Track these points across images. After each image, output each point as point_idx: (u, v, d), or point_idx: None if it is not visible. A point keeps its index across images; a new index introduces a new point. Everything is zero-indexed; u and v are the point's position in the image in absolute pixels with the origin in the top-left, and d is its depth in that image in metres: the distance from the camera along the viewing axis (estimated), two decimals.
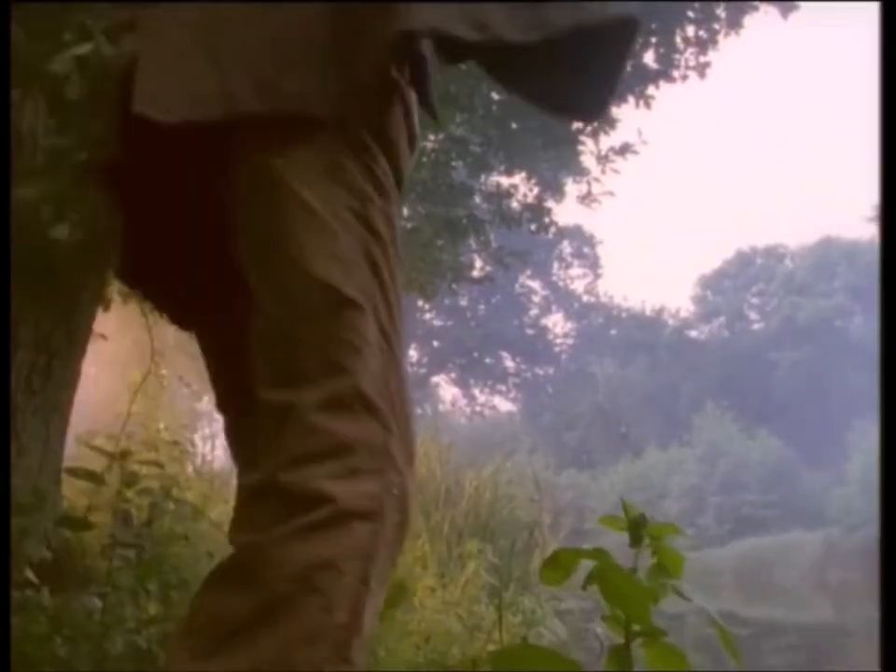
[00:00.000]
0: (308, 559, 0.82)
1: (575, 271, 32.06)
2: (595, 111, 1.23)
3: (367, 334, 0.94)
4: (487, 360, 31.84)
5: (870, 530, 23.87)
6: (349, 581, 0.83)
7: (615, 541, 1.13)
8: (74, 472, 2.16)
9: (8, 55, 1.94)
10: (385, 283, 0.99)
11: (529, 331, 31.23)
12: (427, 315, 32.26)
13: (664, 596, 0.89)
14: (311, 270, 0.95)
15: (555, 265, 31.62)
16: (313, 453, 0.85)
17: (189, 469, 4.16)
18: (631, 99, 5.04)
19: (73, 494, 2.90)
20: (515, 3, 1.08)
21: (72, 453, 2.92)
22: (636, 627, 0.82)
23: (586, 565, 0.97)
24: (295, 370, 0.92)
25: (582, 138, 5.05)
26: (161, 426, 3.45)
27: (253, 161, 1.02)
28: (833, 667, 9.93)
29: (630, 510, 0.93)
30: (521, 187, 6.94)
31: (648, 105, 5.15)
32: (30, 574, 1.72)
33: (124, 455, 2.32)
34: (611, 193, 5.95)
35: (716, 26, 4.99)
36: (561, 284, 31.91)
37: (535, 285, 31.86)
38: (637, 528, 0.92)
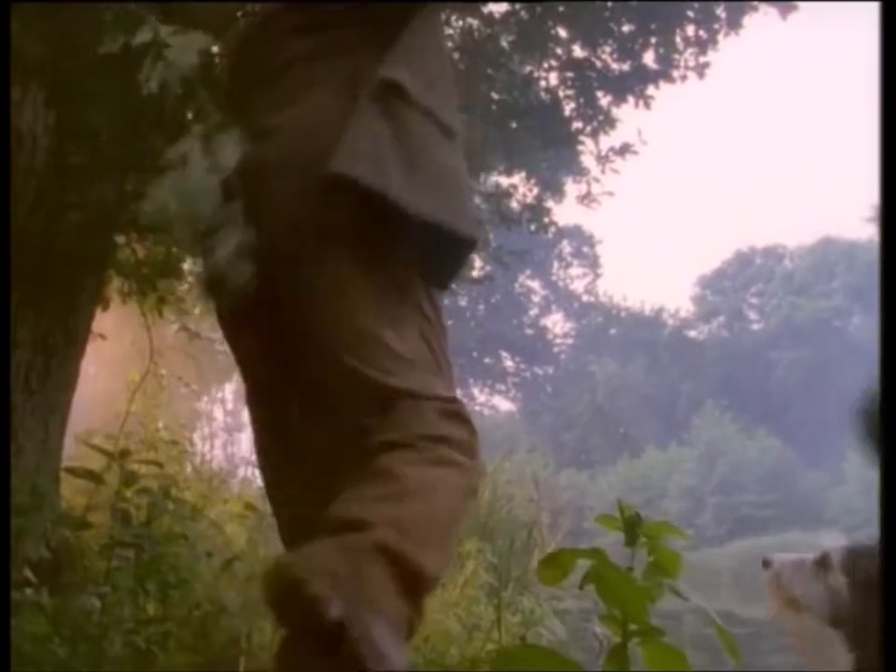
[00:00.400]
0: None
1: (574, 270, 32.08)
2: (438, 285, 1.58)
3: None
4: (486, 360, 31.84)
5: (869, 530, 23.86)
6: None
7: (614, 541, 1.12)
8: (73, 471, 2.16)
9: (8, 55, 1.93)
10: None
11: (529, 331, 31.23)
12: None
13: (660, 596, 0.89)
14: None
15: (555, 265, 31.63)
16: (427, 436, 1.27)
17: (188, 468, 4.15)
18: (631, 99, 5.04)
19: (71, 493, 2.90)
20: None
21: (71, 452, 2.92)
22: (633, 627, 0.83)
23: (583, 564, 0.97)
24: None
25: (582, 138, 5.05)
26: (160, 425, 3.44)
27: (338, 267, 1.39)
28: (829, 665, 9.88)
29: (625, 509, 0.93)
30: (520, 187, 6.94)
31: (647, 106, 5.16)
32: (29, 574, 1.72)
33: (123, 454, 2.32)
34: (611, 193, 5.95)
35: (715, 26, 4.99)
36: (560, 284, 31.92)
37: (534, 284, 31.87)
38: (632, 528, 0.92)
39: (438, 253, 1.55)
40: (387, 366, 1.34)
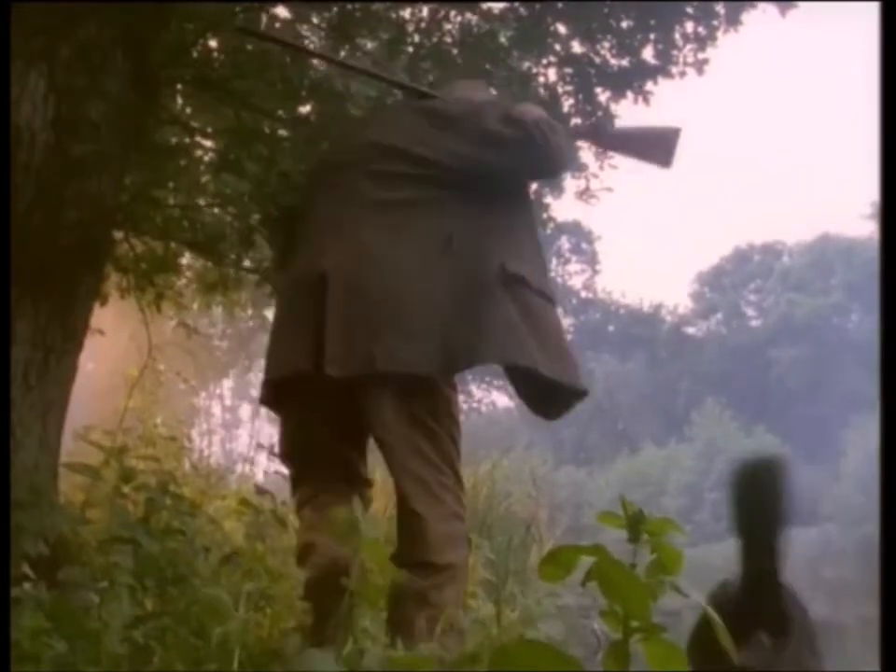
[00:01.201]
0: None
1: (573, 266, 32.10)
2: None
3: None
4: None
5: (866, 527, 23.94)
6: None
7: (612, 538, 1.13)
8: (71, 467, 2.16)
9: (8, 55, 1.93)
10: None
11: None
12: None
13: (662, 594, 0.90)
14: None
15: (553, 261, 31.62)
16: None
17: (186, 464, 4.15)
18: (630, 95, 5.03)
19: (69, 489, 2.90)
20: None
21: (69, 448, 2.92)
22: (634, 623, 0.83)
23: (584, 562, 0.97)
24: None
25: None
26: (158, 421, 3.45)
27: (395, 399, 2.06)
28: (827, 663, 9.94)
29: (628, 506, 0.93)
30: None
31: (646, 102, 5.14)
32: (27, 570, 1.72)
33: (121, 450, 2.32)
34: (609, 189, 5.94)
35: (714, 23, 4.98)
36: (559, 280, 31.91)
37: None
38: (635, 524, 0.92)
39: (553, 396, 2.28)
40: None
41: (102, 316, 3.27)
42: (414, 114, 2.21)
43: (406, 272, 2.01)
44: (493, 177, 2.11)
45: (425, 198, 2.08)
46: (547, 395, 2.29)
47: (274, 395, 2.22)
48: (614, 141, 2.71)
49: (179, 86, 3.47)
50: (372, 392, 2.01)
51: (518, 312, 2.06)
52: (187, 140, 3.73)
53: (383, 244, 2.03)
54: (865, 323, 34.94)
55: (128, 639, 1.72)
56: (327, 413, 2.13)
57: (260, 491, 2.45)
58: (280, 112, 3.73)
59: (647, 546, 0.95)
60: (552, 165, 2.19)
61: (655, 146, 2.52)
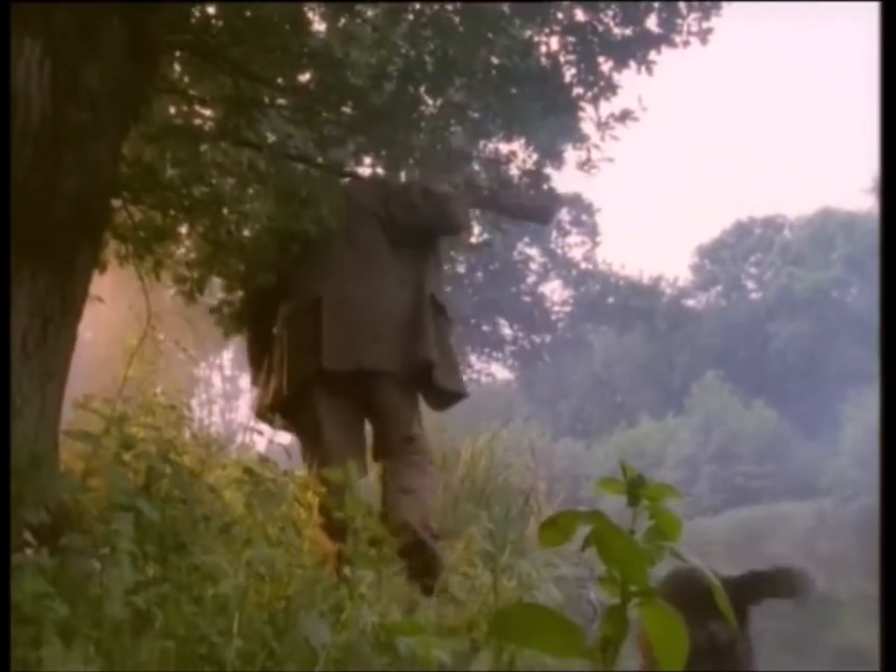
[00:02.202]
0: None
1: (573, 238, 31.90)
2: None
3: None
4: (484, 327, 31.79)
5: (862, 502, 24.10)
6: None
7: (610, 509, 1.13)
8: (71, 435, 2.17)
9: (8, 55, 1.91)
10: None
11: (526, 298, 31.16)
12: None
13: (660, 559, 0.90)
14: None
15: (554, 233, 31.47)
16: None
17: (186, 434, 4.16)
18: (633, 64, 4.97)
19: (70, 458, 2.91)
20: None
21: (69, 418, 2.93)
22: (632, 589, 0.83)
23: (581, 534, 0.98)
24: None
25: (582, 104, 4.99)
26: (158, 390, 3.44)
27: None
28: (821, 636, 10.09)
29: (628, 470, 0.94)
30: (519, 153, 6.88)
31: (650, 71, 5.09)
32: (28, 537, 1.73)
33: (121, 418, 2.33)
34: (611, 159, 5.90)
35: None
36: (559, 251, 31.78)
37: (533, 252, 31.74)
38: (635, 489, 0.93)
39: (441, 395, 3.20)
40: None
41: (101, 285, 3.26)
42: (377, 190, 3.35)
43: (378, 298, 3.07)
44: (418, 233, 3.24)
45: (383, 246, 3.16)
46: (430, 394, 3.26)
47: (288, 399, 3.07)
48: (507, 207, 3.77)
49: (177, 53, 3.43)
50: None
51: (436, 332, 3.10)
52: (185, 108, 3.70)
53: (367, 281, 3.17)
54: (865, 297, 34.90)
55: (129, 605, 1.73)
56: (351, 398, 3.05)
57: (263, 459, 2.47)
58: (279, 80, 3.70)
59: (645, 513, 0.95)
60: (451, 227, 3.33)
61: (538, 210, 3.86)
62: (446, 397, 3.24)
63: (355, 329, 2.89)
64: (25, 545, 1.65)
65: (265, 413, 3.18)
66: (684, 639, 0.84)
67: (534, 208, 3.76)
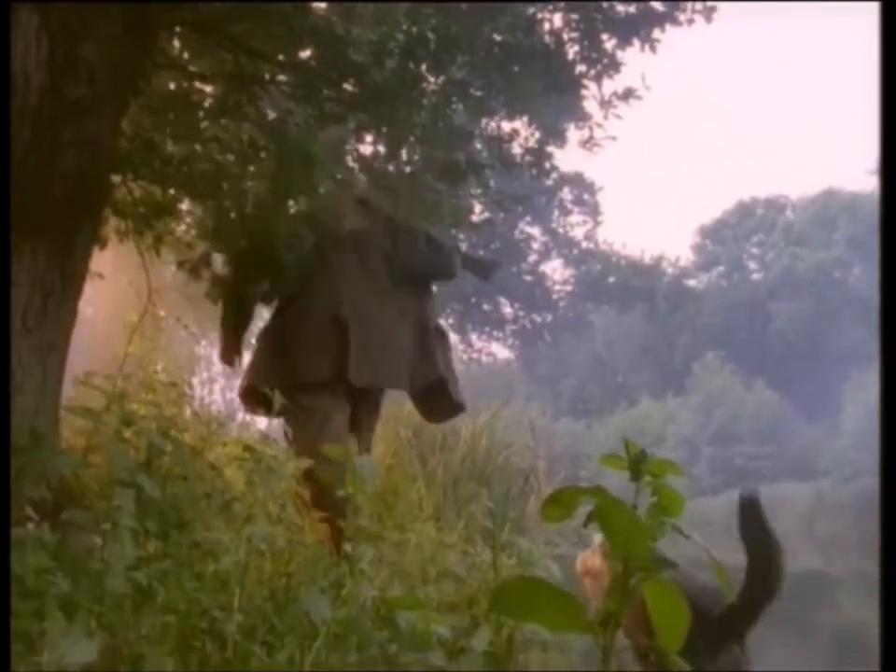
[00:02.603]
0: None
1: (575, 218, 31.77)
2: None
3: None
4: (485, 306, 31.75)
5: (860, 483, 24.18)
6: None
7: (611, 489, 1.13)
8: (72, 410, 2.17)
9: (8, 55, 1.89)
10: None
11: (528, 277, 31.09)
12: None
13: (662, 535, 0.90)
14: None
15: (555, 212, 31.35)
16: None
17: (187, 411, 4.17)
18: (636, 42, 4.93)
19: (71, 435, 2.92)
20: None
21: (69, 395, 2.93)
22: (634, 564, 0.83)
23: (582, 513, 0.98)
24: None
25: (585, 82, 4.96)
26: (159, 367, 3.44)
27: None
28: (818, 613, 10.18)
29: (631, 446, 0.93)
30: (522, 131, 6.84)
31: (653, 49, 5.05)
32: (30, 512, 1.74)
33: (122, 395, 2.33)
34: (613, 138, 5.87)
35: None
36: (560, 230, 31.67)
37: (534, 231, 31.64)
38: (638, 464, 0.92)
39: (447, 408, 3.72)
40: None
41: (101, 261, 3.25)
42: (385, 226, 3.64)
43: (391, 326, 3.50)
44: (417, 274, 3.64)
45: (387, 278, 3.55)
46: (443, 407, 3.68)
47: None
48: (472, 265, 4.12)
49: (177, 29, 3.40)
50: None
51: (442, 354, 3.61)
52: (185, 85, 3.68)
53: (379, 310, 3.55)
54: (867, 278, 34.84)
55: (130, 580, 1.74)
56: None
57: (264, 437, 2.47)
58: (280, 57, 3.67)
59: (647, 490, 0.95)
60: (447, 275, 3.77)
61: (489, 268, 4.37)
62: (454, 409, 3.73)
63: (374, 352, 3.37)
64: (27, 520, 1.66)
65: (252, 397, 3.50)
66: (685, 615, 0.84)
67: (483, 264, 4.41)
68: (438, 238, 3.77)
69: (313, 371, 3.33)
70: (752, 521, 2.76)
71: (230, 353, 3.68)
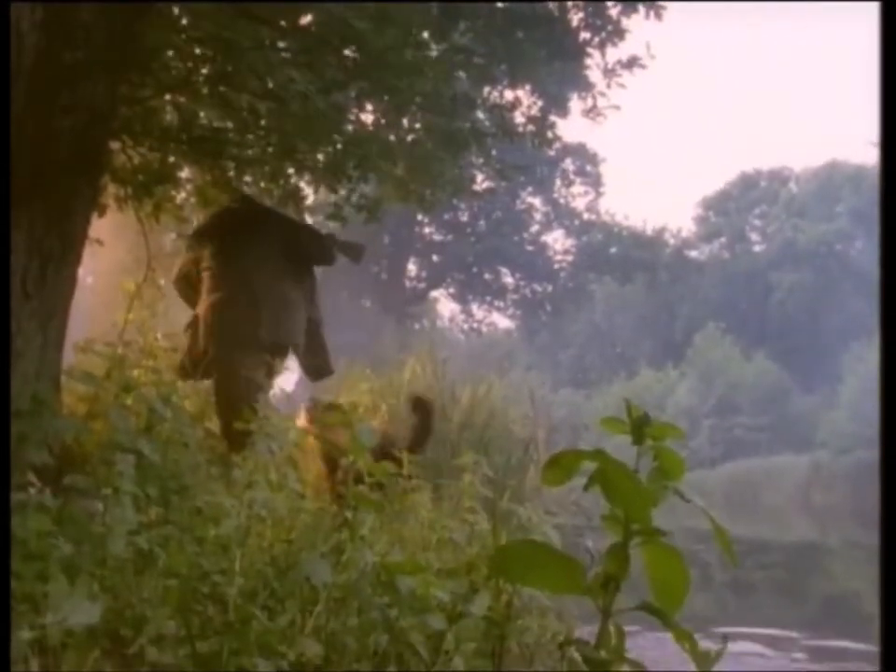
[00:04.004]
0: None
1: (577, 188, 31.60)
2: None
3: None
4: (486, 276, 31.68)
5: (857, 455, 24.28)
6: None
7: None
8: (73, 375, 2.17)
9: (8, 55, 1.86)
10: None
11: (529, 248, 30.98)
12: (427, 230, 31.94)
13: (664, 499, 0.90)
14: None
15: (557, 182, 31.16)
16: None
17: None
18: (641, 9, 4.86)
19: (72, 402, 2.92)
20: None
21: (70, 362, 2.93)
22: (635, 527, 0.83)
23: (579, 483, 0.98)
24: None
25: (589, 50, 4.89)
26: (159, 335, 3.44)
27: None
28: (812, 582, 10.28)
29: (633, 409, 0.93)
30: (524, 100, 6.75)
31: (658, 17, 4.98)
32: (32, 477, 1.75)
33: (122, 361, 2.33)
34: (617, 107, 5.79)
35: None
36: (562, 201, 31.51)
37: (536, 201, 31.48)
38: (640, 427, 0.92)
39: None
40: None
41: (100, 229, 3.24)
42: (286, 224, 4.54)
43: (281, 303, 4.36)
44: (309, 260, 4.62)
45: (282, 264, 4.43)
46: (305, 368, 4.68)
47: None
48: (343, 249, 4.79)
49: None
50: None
51: (311, 328, 4.55)
52: (184, 50, 3.63)
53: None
54: (869, 250, 34.73)
55: (132, 544, 1.75)
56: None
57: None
58: (281, 23, 3.61)
59: (648, 454, 0.95)
60: (330, 261, 4.68)
61: (358, 251, 4.98)
62: (318, 371, 4.74)
63: (278, 317, 4.31)
64: (29, 485, 1.67)
65: (190, 371, 4.05)
66: (685, 578, 0.85)
67: (351, 247, 5.05)
68: (318, 231, 4.79)
69: (234, 335, 4.15)
70: (424, 407, 4.42)
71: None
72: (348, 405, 5.50)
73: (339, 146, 3.83)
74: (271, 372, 4.40)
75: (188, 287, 4.37)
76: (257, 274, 4.30)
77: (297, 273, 4.52)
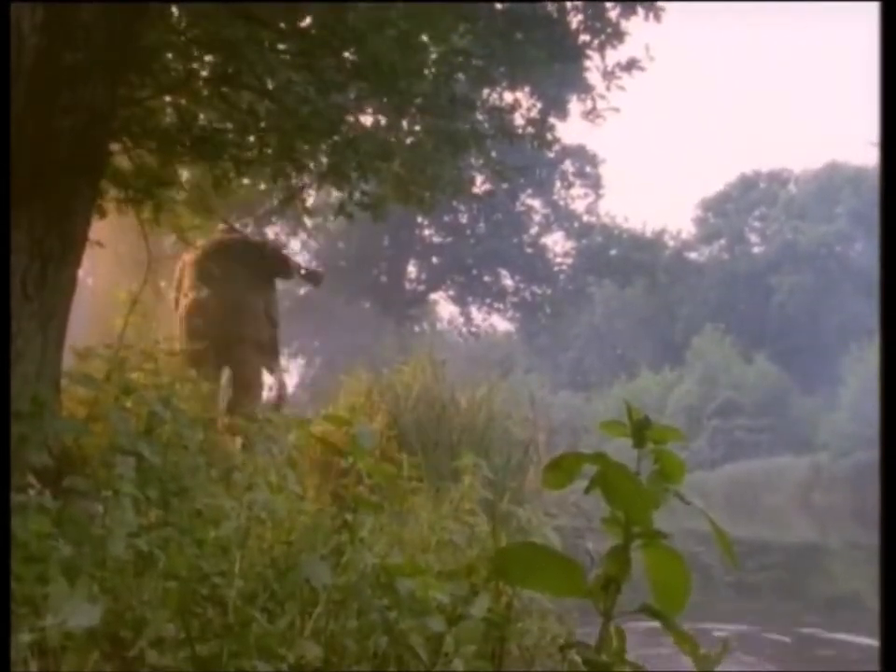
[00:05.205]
0: None
1: (576, 190, 31.61)
2: None
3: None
4: (486, 278, 31.68)
5: (858, 456, 24.26)
6: None
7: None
8: (73, 378, 2.17)
9: (8, 55, 1.86)
10: None
11: (529, 250, 30.99)
12: (427, 232, 31.95)
13: (664, 502, 0.90)
14: None
15: (557, 184, 31.18)
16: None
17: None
18: (640, 11, 4.87)
19: (72, 404, 2.92)
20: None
21: (70, 365, 2.92)
22: (636, 529, 0.83)
23: (580, 485, 0.98)
24: None
25: (589, 52, 4.90)
26: (160, 338, 3.44)
27: None
28: (813, 583, 10.29)
29: (634, 412, 0.93)
30: (524, 102, 6.75)
31: (657, 19, 4.99)
32: (32, 479, 1.74)
33: (121, 361, 2.33)
34: (616, 109, 5.80)
35: None
36: (562, 203, 31.52)
37: (536, 203, 31.49)
38: (640, 430, 0.92)
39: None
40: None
41: (100, 231, 3.23)
42: (251, 245, 5.84)
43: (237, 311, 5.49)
44: (273, 275, 5.85)
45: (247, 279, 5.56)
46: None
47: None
48: (306, 275, 6.33)
49: None
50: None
51: (269, 334, 5.76)
52: (183, 52, 3.63)
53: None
54: (869, 251, 34.74)
55: (132, 546, 1.75)
56: None
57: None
58: (280, 24, 3.62)
59: (649, 457, 0.95)
60: (289, 275, 6.01)
61: (316, 275, 6.63)
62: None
63: (238, 318, 5.47)
64: (28, 487, 1.66)
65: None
66: (687, 580, 0.84)
67: (310, 274, 6.51)
68: (279, 250, 6.34)
69: (207, 335, 5.10)
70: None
71: None
72: (347, 407, 5.59)
73: (338, 147, 3.83)
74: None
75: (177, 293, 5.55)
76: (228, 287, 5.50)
77: (255, 287, 5.72)
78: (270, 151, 3.56)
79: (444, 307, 36.63)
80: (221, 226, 5.72)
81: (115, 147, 3.01)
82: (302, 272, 6.30)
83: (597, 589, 0.86)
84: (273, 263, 5.84)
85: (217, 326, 5.23)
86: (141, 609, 1.63)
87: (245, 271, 5.55)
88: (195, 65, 3.63)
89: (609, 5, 4.89)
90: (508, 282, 31.59)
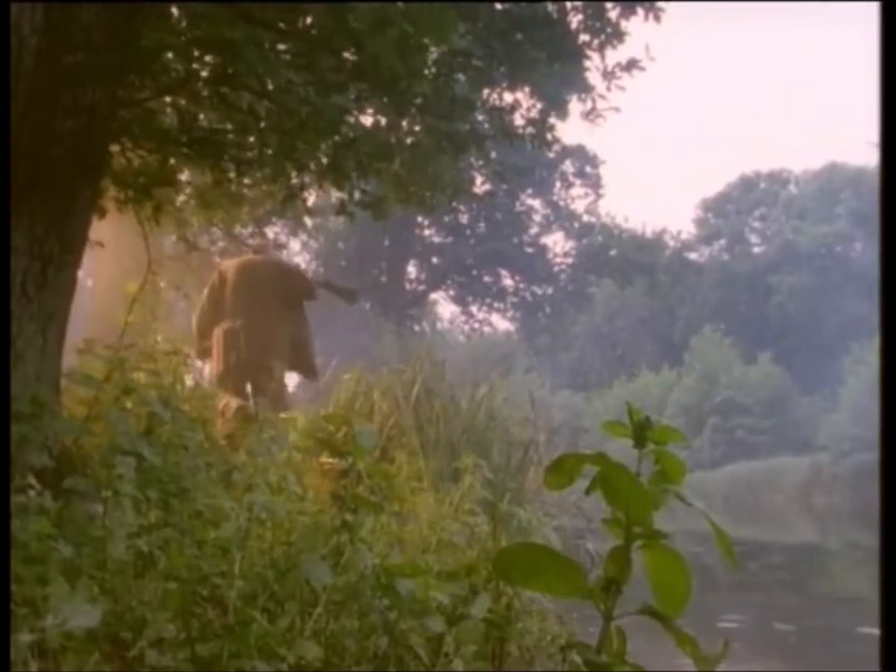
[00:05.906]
0: None
1: (577, 190, 31.60)
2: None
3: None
4: (486, 278, 31.67)
5: (858, 457, 24.27)
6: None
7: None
8: (73, 378, 2.17)
9: (8, 55, 1.85)
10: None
11: (529, 250, 30.98)
12: (427, 232, 31.95)
13: (665, 502, 0.90)
14: None
15: (557, 184, 31.18)
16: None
17: (188, 382, 4.19)
18: (640, 11, 4.87)
19: (73, 405, 2.92)
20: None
21: (71, 365, 2.92)
22: (636, 530, 0.83)
23: (581, 486, 0.98)
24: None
25: (589, 52, 4.90)
26: (160, 338, 3.44)
27: None
28: (814, 583, 10.29)
29: (635, 413, 0.93)
30: (524, 102, 6.75)
31: (657, 19, 4.99)
32: (32, 480, 1.74)
33: (121, 361, 2.33)
34: (617, 109, 5.80)
35: None
36: (562, 203, 31.51)
37: (536, 203, 31.47)
38: (641, 431, 0.92)
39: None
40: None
41: (100, 231, 3.23)
42: (278, 268, 6.59)
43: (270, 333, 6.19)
44: (300, 297, 6.43)
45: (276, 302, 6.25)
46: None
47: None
48: (337, 292, 6.88)
49: None
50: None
51: (302, 347, 6.47)
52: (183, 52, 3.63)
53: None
54: (869, 252, 34.75)
55: (132, 547, 1.75)
56: None
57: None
58: (280, 24, 3.61)
59: (649, 457, 0.94)
60: (313, 297, 6.49)
61: (352, 293, 7.53)
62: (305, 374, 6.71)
63: (268, 342, 6.10)
64: (28, 488, 1.66)
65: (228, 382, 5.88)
66: (687, 581, 0.84)
67: (346, 292, 7.16)
68: (303, 273, 7.02)
69: (239, 357, 5.84)
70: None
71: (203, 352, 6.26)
72: (347, 407, 5.60)
73: (339, 147, 3.83)
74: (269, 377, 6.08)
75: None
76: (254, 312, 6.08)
77: (284, 310, 6.25)
78: (270, 151, 3.56)
79: (444, 307, 36.66)
80: (249, 245, 6.46)
81: (115, 147, 3.01)
82: (338, 289, 7.01)
83: (598, 590, 0.86)
84: (302, 286, 6.41)
85: (250, 352, 5.86)
86: (141, 609, 1.63)
87: (276, 296, 6.15)
88: (195, 66, 3.63)
89: (609, 5, 4.89)
90: (508, 282, 31.58)
